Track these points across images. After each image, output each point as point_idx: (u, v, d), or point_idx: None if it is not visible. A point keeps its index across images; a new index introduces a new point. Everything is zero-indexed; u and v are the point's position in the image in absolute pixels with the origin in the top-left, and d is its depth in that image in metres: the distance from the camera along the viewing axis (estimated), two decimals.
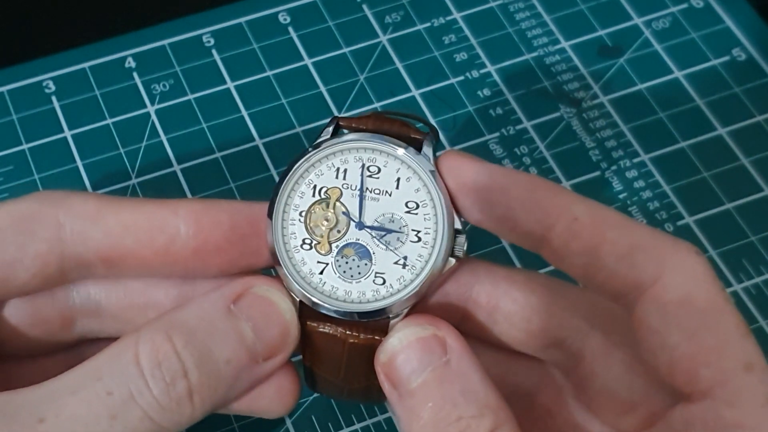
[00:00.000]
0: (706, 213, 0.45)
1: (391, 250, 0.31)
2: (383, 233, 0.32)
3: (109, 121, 0.46)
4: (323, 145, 0.32)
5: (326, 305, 0.31)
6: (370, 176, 0.32)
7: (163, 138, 0.46)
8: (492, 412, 0.29)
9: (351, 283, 0.31)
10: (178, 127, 0.46)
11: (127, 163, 0.45)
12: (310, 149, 0.32)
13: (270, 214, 0.32)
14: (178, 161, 0.45)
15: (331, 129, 0.33)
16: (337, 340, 0.32)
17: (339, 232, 0.32)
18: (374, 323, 0.31)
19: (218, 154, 0.46)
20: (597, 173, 0.46)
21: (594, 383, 0.32)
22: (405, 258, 0.31)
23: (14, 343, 0.33)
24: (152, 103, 0.47)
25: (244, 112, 0.47)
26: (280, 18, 0.50)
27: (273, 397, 0.32)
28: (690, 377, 0.29)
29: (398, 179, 0.32)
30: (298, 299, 0.32)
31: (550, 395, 0.34)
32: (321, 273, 0.32)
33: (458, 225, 0.32)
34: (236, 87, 0.48)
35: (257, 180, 0.45)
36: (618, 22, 0.50)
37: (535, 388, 0.34)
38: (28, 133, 0.46)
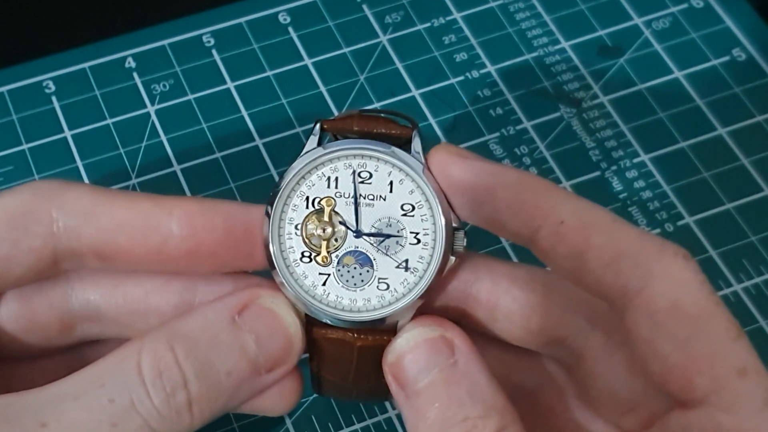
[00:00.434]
0: (706, 213, 0.45)
1: (391, 255, 0.31)
2: (382, 238, 0.31)
3: (109, 121, 0.46)
4: (311, 155, 0.32)
5: (333, 317, 0.31)
6: (362, 182, 0.32)
7: (163, 138, 0.46)
8: (498, 413, 0.29)
9: (355, 291, 0.31)
10: (178, 127, 0.46)
11: (127, 163, 0.45)
12: (297, 159, 0.32)
13: (267, 233, 0.31)
14: (178, 161, 0.45)
15: (317, 134, 0.32)
16: (346, 345, 0.32)
17: (337, 241, 0.31)
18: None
19: (218, 154, 0.46)
20: (597, 173, 0.46)
21: (595, 383, 0.32)
22: (406, 261, 0.31)
23: (12, 347, 0.33)
24: (152, 103, 0.47)
25: (244, 112, 0.47)
26: (280, 18, 0.50)
27: (276, 396, 0.32)
28: (684, 385, 0.29)
29: (391, 182, 0.32)
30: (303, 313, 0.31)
31: (552, 394, 0.34)
32: (324, 284, 0.31)
33: (456, 222, 0.31)
34: (236, 87, 0.48)
35: (257, 180, 0.45)
36: (618, 22, 0.50)
37: (538, 387, 0.34)
38: (28, 133, 0.46)
